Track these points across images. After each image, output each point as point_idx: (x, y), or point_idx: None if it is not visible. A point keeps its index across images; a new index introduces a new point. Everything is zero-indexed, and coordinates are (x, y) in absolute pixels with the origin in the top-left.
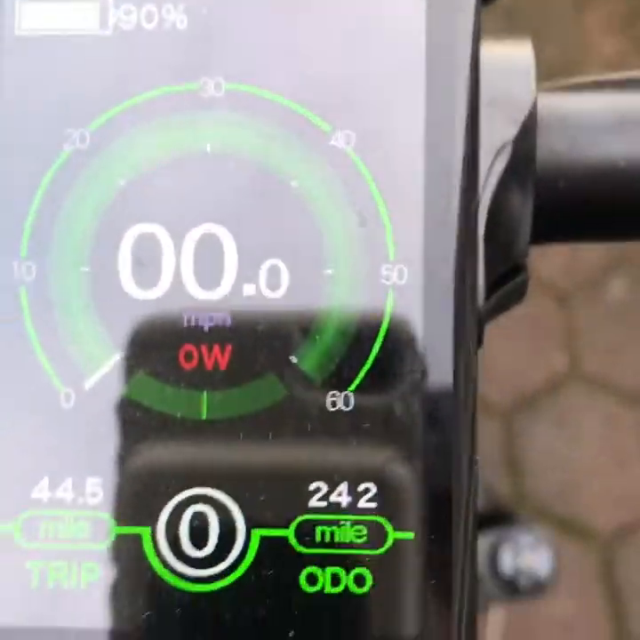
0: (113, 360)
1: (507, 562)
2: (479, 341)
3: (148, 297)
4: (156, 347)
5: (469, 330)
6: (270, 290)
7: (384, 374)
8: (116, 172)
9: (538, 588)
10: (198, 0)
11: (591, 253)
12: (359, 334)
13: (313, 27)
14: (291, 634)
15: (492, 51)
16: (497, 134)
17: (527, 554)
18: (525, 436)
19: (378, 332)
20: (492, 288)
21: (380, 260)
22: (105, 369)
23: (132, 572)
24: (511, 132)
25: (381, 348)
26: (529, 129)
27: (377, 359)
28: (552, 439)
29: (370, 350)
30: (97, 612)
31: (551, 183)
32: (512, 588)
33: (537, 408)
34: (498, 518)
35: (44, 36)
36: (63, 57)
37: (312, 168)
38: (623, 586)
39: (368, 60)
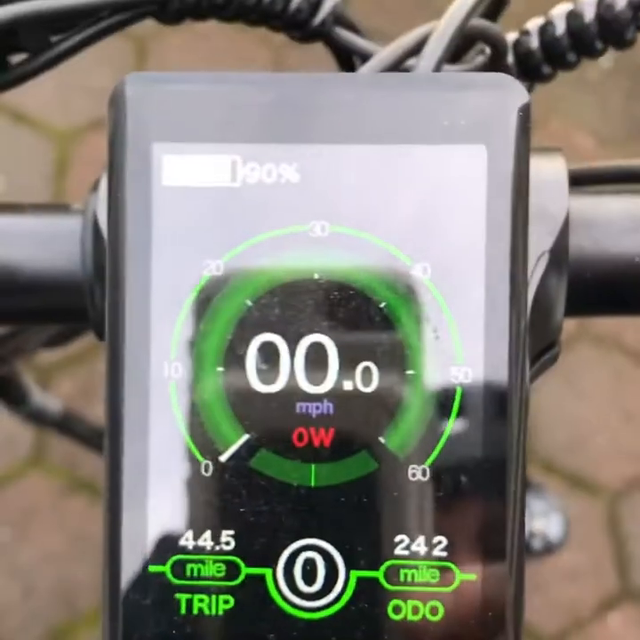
0: (242, 439)
1: None
2: (527, 412)
3: (269, 390)
4: (275, 429)
5: (521, 407)
6: (364, 386)
7: (454, 451)
8: (244, 294)
9: (549, 549)
10: (308, 161)
11: None
12: (434, 420)
13: (397, 182)
14: None
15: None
16: (537, 245)
17: (540, 519)
18: (535, 393)
19: (448, 418)
20: (532, 362)
21: (450, 363)
22: (236, 446)
23: (258, 603)
24: (549, 241)
25: (451, 430)
26: (563, 236)
27: (448, 440)
28: (561, 396)
29: (442, 433)
30: (231, 633)
31: (580, 273)
32: (525, 550)
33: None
34: None
35: (185, 187)
36: (202, 203)
37: (397, 292)
38: (628, 538)
39: (440, 207)
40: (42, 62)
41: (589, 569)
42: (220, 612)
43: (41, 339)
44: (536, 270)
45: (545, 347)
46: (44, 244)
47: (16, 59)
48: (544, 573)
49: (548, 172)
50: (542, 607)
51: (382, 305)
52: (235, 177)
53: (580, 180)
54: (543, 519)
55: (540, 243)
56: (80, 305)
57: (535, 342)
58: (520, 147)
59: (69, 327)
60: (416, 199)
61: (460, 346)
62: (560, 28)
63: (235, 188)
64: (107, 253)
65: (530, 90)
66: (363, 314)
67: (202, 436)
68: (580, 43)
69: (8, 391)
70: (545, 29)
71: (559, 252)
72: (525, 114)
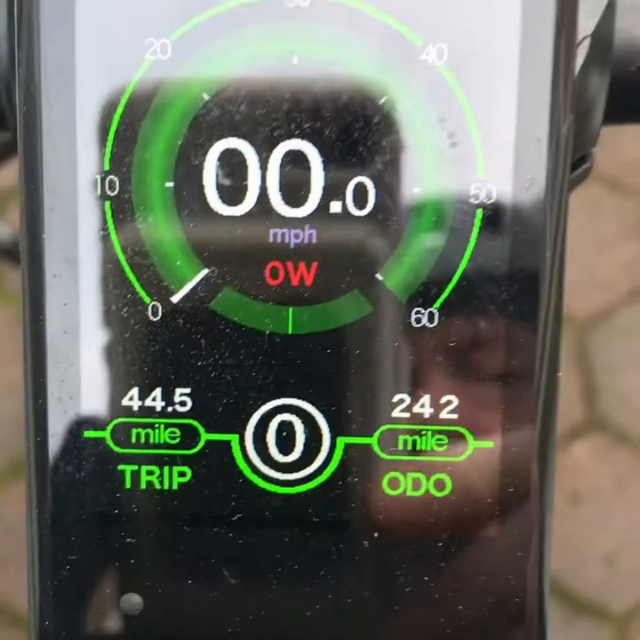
0: (200, 275)
1: None
2: (564, 237)
3: (233, 213)
4: (243, 263)
5: (558, 234)
6: (356, 207)
7: (470, 292)
8: (199, 85)
9: None
10: None
11: None
12: (446, 252)
13: None
14: (374, 535)
15: None
16: (578, 27)
17: None
18: None
19: (465, 250)
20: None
21: (470, 179)
22: (192, 284)
23: (222, 475)
24: (591, 23)
25: (468, 264)
26: (607, 19)
27: (462, 276)
28: None
29: (456, 268)
30: (187, 512)
31: (627, 65)
32: None
33: None
34: None
35: None
36: None
37: (402, 84)
38: (596, 368)
39: None
40: None
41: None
42: (174, 487)
43: None
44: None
45: (577, 158)
46: None
47: None
48: None
49: None
50: None
51: (382, 100)
52: None
53: None
54: None
55: (581, 27)
56: None
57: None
58: None
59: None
60: None
61: (482, 155)
62: None
63: None
64: (16, 32)
65: None
66: (356, 112)
67: (148, 272)
68: None
69: None
70: None
71: (602, 38)
72: None
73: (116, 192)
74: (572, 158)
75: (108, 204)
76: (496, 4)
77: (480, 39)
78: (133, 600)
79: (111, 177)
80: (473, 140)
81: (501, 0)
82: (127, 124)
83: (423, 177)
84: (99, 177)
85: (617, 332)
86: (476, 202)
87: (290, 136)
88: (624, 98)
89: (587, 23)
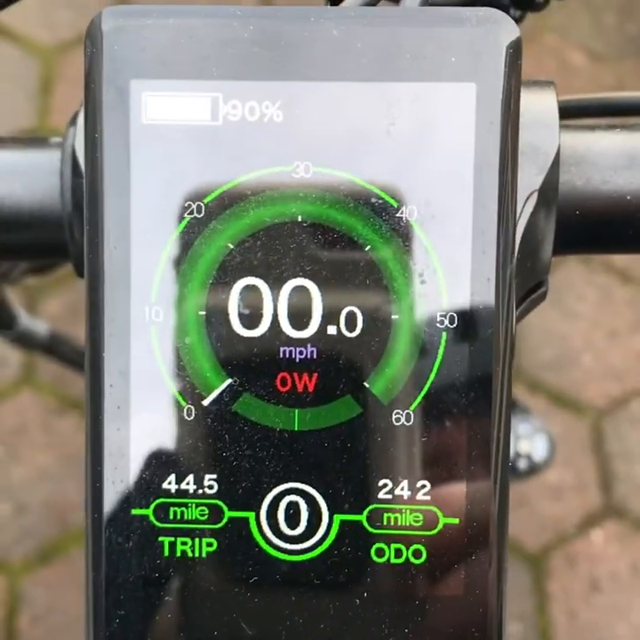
0: (225, 384)
1: None
2: (513, 353)
3: (251, 334)
4: (258, 374)
5: (507, 349)
6: (348, 330)
7: (438, 397)
8: (226, 237)
9: (533, 469)
10: (292, 99)
11: None
12: (418, 366)
13: (383, 122)
14: (365, 594)
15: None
16: (526, 183)
17: (525, 441)
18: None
19: (433, 364)
20: (520, 301)
21: (436, 309)
22: (218, 390)
23: (242, 545)
24: (538, 180)
25: (436, 376)
26: (553, 173)
27: (432, 385)
28: (547, 314)
29: (427, 378)
30: (214, 576)
31: (570, 210)
32: (510, 470)
33: None
34: None
35: (165, 125)
36: (181, 142)
37: (383, 235)
38: (612, 455)
39: (428, 147)
40: None
41: (573, 486)
42: (204, 555)
43: (26, 266)
44: (524, 210)
45: (533, 285)
46: (22, 178)
47: None
48: (529, 490)
49: (539, 108)
50: (526, 523)
51: (367, 248)
52: (216, 115)
53: (571, 113)
54: (528, 441)
55: (529, 182)
56: (60, 240)
57: (523, 281)
58: (510, 84)
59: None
60: (403, 139)
61: (445, 291)
62: None
63: (216, 126)
64: (85, 195)
65: (521, 18)
66: (347, 257)
67: (184, 381)
68: None
69: None
70: None
71: (549, 190)
72: (516, 50)
73: (160, 319)
74: (526, 285)
75: (153, 328)
76: (452, 177)
77: (442, 202)
78: None
79: (156, 307)
80: (438, 279)
81: (456, 175)
82: (170, 266)
83: (399, 307)
84: (147, 307)
85: (633, 419)
86: (442, 326)
87: (296, 275)
88: (569, 235)
89: (536, 179)
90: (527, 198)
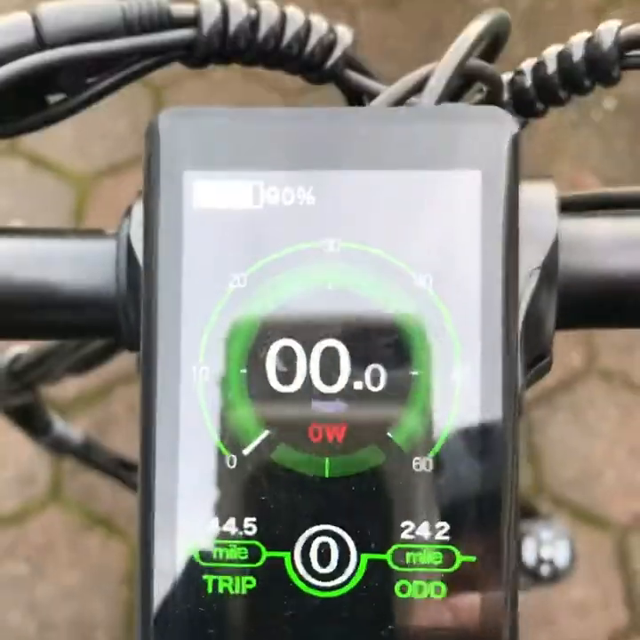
0: (263, 435)
1: (529, 553)
2: (520, 411)
3: (287, 390)
4: (293, 426)
5: (514, 406)
6: (373, 385)
7: (454, 444)
8: (265, 304)
9: (557, 576)
10: (322, 185)
11: None
12: (436, 417)
13: (401, 204)
14: (390, 626)
15: (521, 192)
16: (528, 261)
17: (548, 547)
18: (544, 429)
19: (449, 415)
20: (526, 369)
21: (451, 365)
22: (257, 441)
23: (278, 583)
24: (540, 257)
25: (452, 426)
26: (553, 253)
27: (449, 434)
28: (569, 431)
29: (444, 428)
30: (253, 611)
31: (570, 288)
32: (534, 576)
33: (555, 402)
34: (522, 512)
35: (213, 210)
36: (227, 224)
37: (403, 300)
38: (638, 572)
39: (440, 225)
40: (78, 102)
41: (599, 604)
42: (244, 592)
43: (67, 364)
44: (528, 285)
45: (538, 356)
46: (81, 265)
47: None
48: (554, 608)
49: (539, 196)
50: None
51: (390, 312)
52: (257, 200)
53: (571, 207)
54: (550, 547)
55: (531, 260)
56: (113, 321)
57: (529, 352)
58: (511, 172)
59: (93, 354)
60: (419, 218)
61: (459, 349)
62: (551, 67)
63: (257, 209)
64: (142, 270)
65: (524, 125)
66: (372, 321)
67: (227, 433)
68: (570, 81)
69: (31, 420)
70: (537, 69)
71: (549, 268)
72: (516, 142)
73: (206, 377)
74: (531, 355)
75: (200, 386)
76: (462, 251)
77: (454, 270)
78: None
79: (204, 367)
80: (452, 339)
81: (466, 248)
82: (216, 330)
83: (419, 364)
84: (195, 367)
85: None
86: (456, 382)
87: (326, 337)
88: (571, 312)
89: (537, 257)
90: (530, 274)
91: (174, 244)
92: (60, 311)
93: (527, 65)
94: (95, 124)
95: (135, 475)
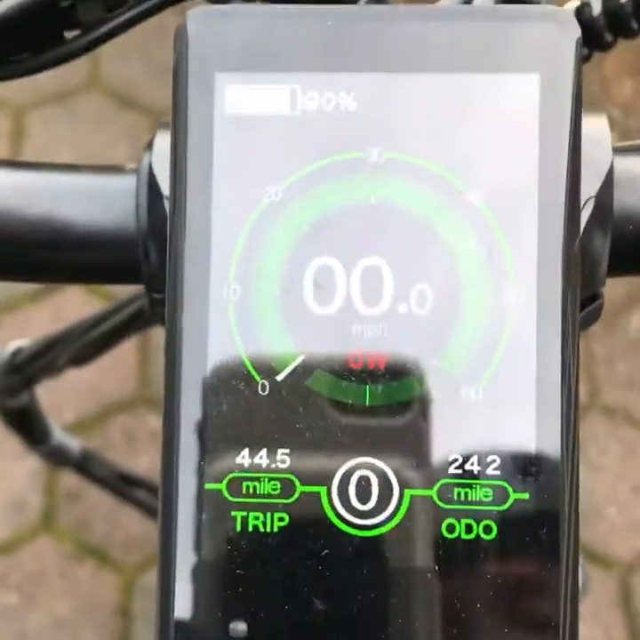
0: (298, 359)
1: None
2: (576, 336)
3: (325, 313)
4: (331, 350)
5: (573, 333)
6: (419, 307)
7: (506, 372)
8: (302, 219)
9: None
10: (366, 89)
11: (613, 288)
12: (486, 342)
13: (452, 110)
14: (435, 569)
15: None
16: (584, 187)
17: None
18: None
19: (501, 339)
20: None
21: (503, 286)
22: (292, 366)
23: (313, 521)
24: (595, 186)
25: (504, 351)
26: (607, 186)
27: (500, 360)
28: None
29: (495, 353)
30: (286, 550)
31: (624, 227)
32: None
33: None
34: None
35: (246, 115)
36: (262, 131)
37: (452, 217)
38: None
39: (495, 135)
40: (94, 37)
41: None
42: (276, 530)
43: (69, 354)
44: (582, 214)
45: (589, 296)
46: (98, 201)
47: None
48: None
49: (592, 124)
50: None
51: (437, 228)
52: (294, 105)
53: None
54: None
55: (585, 187)
56: (133, 261)
57: (581, 288)
58: (574, 78)
59: (96, 342)
60: (471, 127)
61: (513, 269)
62: None
63: (294, 116)
64: (169, 181)
65: (587, 58)
66: (418, 237)
67: (259, 357)
68: None
69: (29, 426)
70: None
71: (604, 201)
72: (579, 48)
73: (237, 297)
74: (583, 294)
75: (231, 306)
76: (519, 162)
77: (508, 186)
78: (239, 628)
79: (234, 286)
80: (506, 259)
81: (522, 159)
82: (248, 247)
83: (468, 283)
84: (225, 286)
85: None
86: (509, 304)
87: (368, 254)
88: (624, 255)
89: (593, 185)
90: (585, 203)
91: (205, 153)
92: (75, 250)
93: None
94: (94, 149)
95: (135, 490)
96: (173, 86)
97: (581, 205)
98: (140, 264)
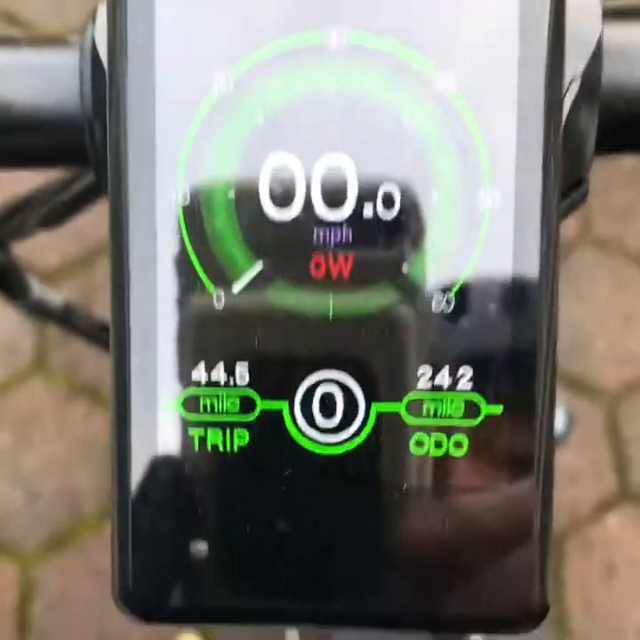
0: (256, 269)
1: None
2: (557, 238)
3: (283, 217)
4: (291, 258)
5: (553, 234)
6: (386, 210)
7: (479, 280)
8: (256, 109)
9: None
10: None
11: None
12: (459, 248)
13: None
14: (403, 487)
15: None
16: (568, 67)
17: None
18: None
19: (475, 246)
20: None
21: (478, 186)
22: (249, 276)
23: (275, 438)
24: (581, 65)
25: (477, 258)
26: (595, 61)
27: (474, 268)
28: (561, 300)
29: (468, 261)
30: (247, 470)
31: (613, 105)
32: None
33: None
34: None
35: None
36: (207, 7)
37: (420, 105)
38: (627, 440)
39: (470, 11)
40: None
41: (589, 471)
42: (235, 449)
43: (38, 217)
44: (566, 97)
45: (574, 182)
46: (39, 79)
47: None
48: None
49: None
50: None
51: (405, 119)
52: None
53: (616, 17)
54: None
55: (570, 67)
56: (79, 144)
57: (564, 176)
58: None
59: (66, 204)
60: (443, 3)
61: (488, 167)
62: None
63: None
64: (106, 67)
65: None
66: (384, 130)
67: (213, 266)
68: None
69: (7, 282)
70: None
71: (591, 78)
72: None
73: (187, 201)
74: (567, 181)
75: (180, 211)
76: (496, 42)
77: (485, 68)
78: (200, 548)
79: (183, 189)
80: (480, 155)
81: (500, 38)
82: (196, 145)
83: (439, 185)
84: (173, 190)
85: None
86: (484, 206)
87: (330, 149)
88: (612, 131)
89: (578, 65)
90: (569, 84)
91: (144, 36)
92: (18, 132)
93: None
94: None
95: None
96: None
97: (566, 88)
98: (87, 147)
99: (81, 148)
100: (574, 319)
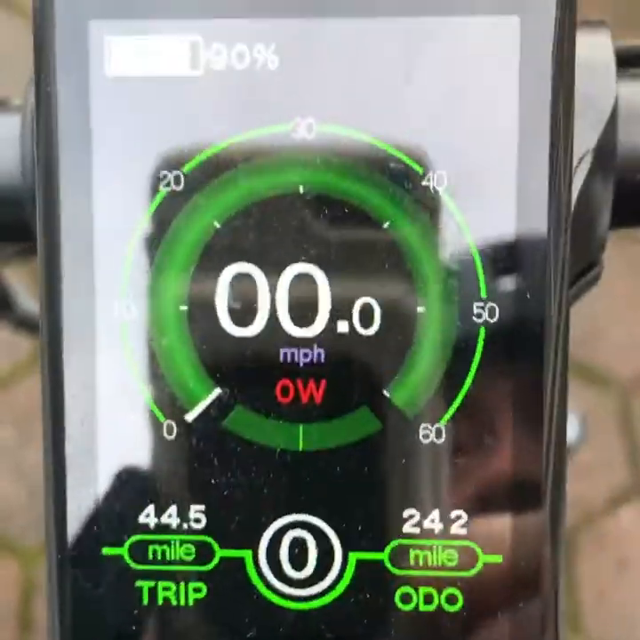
0: (212, 395)
1: None
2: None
3: (245, 334)
4: (254, 382)
5: (558, 351)
6: (363, 327)
7: (476, 407)
8: (211, 214)
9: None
10: (290, 40)
11: None
12: (451, 370)
13: (403, 66)
14: None
15: None
16: (579, 140)
17: None
18: None
19: (469, 366)
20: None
21: (472, 299)
22: (205, 403)
23: (237, 591)
24: (593, 138)
25: (473, 381)
26: (610, 131)
27: (468, 392)
28: None
29: (462, 384)
30: (203, 628)
31: (630, 175)
32: None
33: None
34: None
35: (133, 77)
36: (154, 98)
37: (405, 209)
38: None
39: (460, 97)
40: None
41: (601, 464)
42: (191, 603)
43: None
44: (577, 174)
45: (585, 266)
46: None
47: None
48: None
49: (592, 52)
50: None
51: (385, 225)
52: (196, 63)
53: (630, 61)
54: None
55: (582, 140)
56: (20, 219)
57: (575, 260)
58: (563, 20)
59: None
60: (429, 87)
61: (483, 277)
62: None
63: (196, 76)
64: (36, 167)
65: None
66: (360, 237)
67: (163, 392)
68: None
69: None
70: None
71: (605, 150)
72: None
73: (132, 315)
74: (578, 265)
75: (123, 327)
76: (490, 134)
77: (478, 166)
78: None
79: (127, 301)
80: (474, 262)
81: (495, 131)
82: (143, 251)
83: (426, 298)
84: (116, 302)
85: None
86: (479, 321)
87: (298, 260)
88: (630, 205)
89: (591, 136)
90: (580, 160)
91: (80, 129)
92: None
93: None
94: None
95: None
96: (35, 39)
97: (577, 162)
98: (29, 221)
99: (23, 222)
100: (589, 308)
